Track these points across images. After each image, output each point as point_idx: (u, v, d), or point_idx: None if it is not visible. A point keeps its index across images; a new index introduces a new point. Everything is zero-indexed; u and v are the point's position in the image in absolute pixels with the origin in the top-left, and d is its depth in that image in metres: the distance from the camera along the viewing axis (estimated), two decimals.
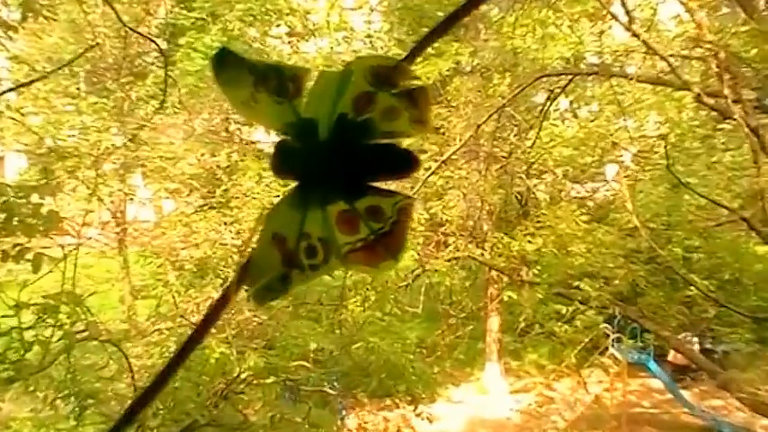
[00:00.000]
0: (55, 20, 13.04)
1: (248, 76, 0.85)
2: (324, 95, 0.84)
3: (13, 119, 13.71)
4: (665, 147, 12.87)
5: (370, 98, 0.85)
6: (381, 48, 16.89)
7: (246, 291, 0.86)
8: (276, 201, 0.88)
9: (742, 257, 15.00)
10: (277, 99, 0.84)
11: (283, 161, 0.87)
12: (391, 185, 0.89)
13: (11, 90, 13.31)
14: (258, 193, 15.49)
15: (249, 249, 0.87)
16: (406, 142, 0.90)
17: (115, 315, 15.80)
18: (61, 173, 14.13)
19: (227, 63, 0.85)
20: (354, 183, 0.86)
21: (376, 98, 0.85)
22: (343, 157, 0.86)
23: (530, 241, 15.21)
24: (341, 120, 0.85)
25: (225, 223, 15.33)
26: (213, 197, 15.83)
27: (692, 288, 13.90)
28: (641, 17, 13.12)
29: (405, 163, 0.89)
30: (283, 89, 0.84)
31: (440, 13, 16.73)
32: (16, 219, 11.40)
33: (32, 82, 13.73)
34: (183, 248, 15.28)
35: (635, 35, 12.41)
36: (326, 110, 0.84)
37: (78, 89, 15.33)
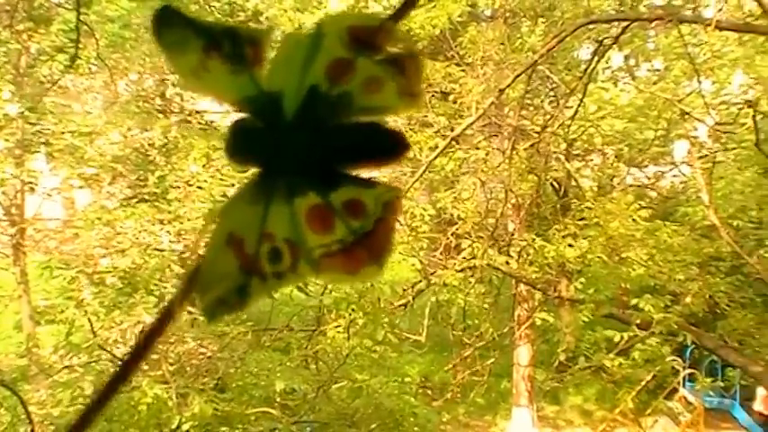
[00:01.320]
0: None
1: (197, 40, 0.90)
2: (291, 63, 0.90)
3: None
4: (754, 117, 12.91)
5: (347, 66, 0.91)
6: None
7: (191, 310, 0.92)
8: (231, 193, 0.94)
9: None
10: (233, 67, 0.89)
11: (241, 144, 0.93)
12: (377, 174, 0.95)
13: None
14: (206, 182, 15.55)
15: (197, 254, 0.92)
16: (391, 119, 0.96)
17: (9, 347, 15.87)
18: None
19: (171, 23, 0.91)
20: (329, 170, 0.92)
21: (355, 66, 0.91)
22: (315, 138, 0.92)
23: (570, 245, 15.20)
24: (312, 93, 0.90)
25: (161, 221, 15.41)
26: (145, 186, 15.90)
27: None
28: None
29: (390, 145, 0.94)
30: (240, 55, 0.90)
31: None
32: None
33: None
34: (103, 256, 15.36)
35: None
36: (294, 81, 0.90)
37: None
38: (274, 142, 0.91)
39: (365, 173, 0.93)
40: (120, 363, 0.95)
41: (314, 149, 0.91)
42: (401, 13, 0.97)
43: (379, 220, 0.92)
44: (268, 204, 0.91)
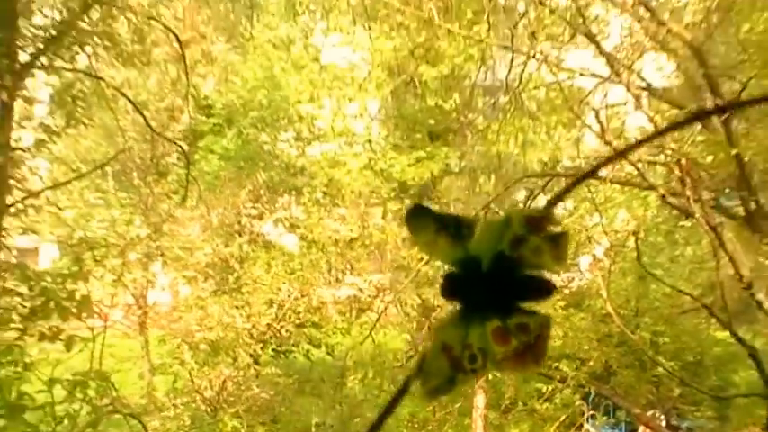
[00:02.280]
0: (91, 126, 13.26)
1: (432, 224, 0.98)
2: (489, 238, 0.97)
3: (49, 212, 13.84)
4: (636, 241, 13.07)
5: (523, 240, 0.98)
6: (379, 151, 17.06)
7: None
8: (442, 316, 1.00)
9: (703, 341, 15.11)
10: (454, 241, 0.97)
11: (451, 288, 1.00)
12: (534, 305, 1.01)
13: (51, 188, 13.45)
14: (266, 281, 15.61)
15: (420, 355, 0.99)
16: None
17: (135, 390, 15.77)
18: (90, 262, 14.23)
19: (418, 214, 0.98)
20: (507, 304, 0.99)
21: (527, 240, 0.98)
22: (500, 284, 0.99)
23: None
24: (499, 256, 0.97)
25: (236, 307, 15.40)
26: (226, 284, 15.90)
27: (658, 369, 14.05)
28: (611, 127, 13.39)
29: (546, 289, 1.02)
30: (459, 234, 0.97)
31: (431, 121, 17.03)
32: (53, 303, 11.52)
33: (70, 181, 13.91)
34: (198, 331, 15.32)
35: (607, 143, 12.68)
36: (489, 248, 0.97)
37: (108, 186, 15.43)
38: (473, 287, 0.97)
39: (530, 305, 0.99)
40: (379, 413, 1.09)
41: (499, 292, 0.97)
42: (552, 205, 1.04)
43: (538, 336, 0.99)
44: (468, 326, 0.97)
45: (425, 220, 0.97)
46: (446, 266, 1.01)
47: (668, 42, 12.60)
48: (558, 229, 0.98)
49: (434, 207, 1.00)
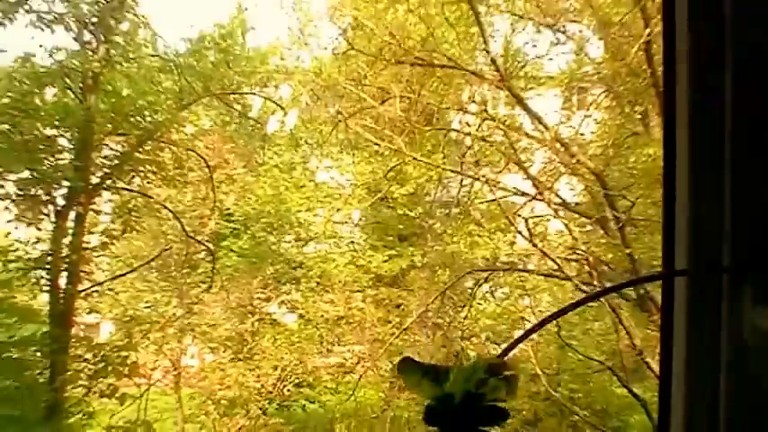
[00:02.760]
0: (142, 231, 13.31)
1: (417, 371, 1.05)
2: (460, 380, 1.04)
3: (109, 296, 13.82)
4: (557, 321, 13.08)
5: (485, 381, 1.05)
6: (360, 248, 17.09)
7: None
8: None
9: (608, 395, 14.98)
10: (433, 383, 1.04)
11: (431, 417, 1.06)
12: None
13: (111, 279, 13.46)
14: (273, 351, 15.51)
15: None
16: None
17: None
18: (138, 334, 14.14)
19: (406, 365, 1.05)
20: (473, 429, 1.05)
21: (489, 381, 1.05)
22: (468, 414, 1.05)
23: None
24: (468, 393, 1.04)
25: (249, 370, 15.27)
26: (241, 353, 15.76)
27: (575, 416, 14.00)
28: (536, 231, 13.47)
29: (502, 416, 1.08)
30: (437, 378, 1.04)
31: (400, 227, 17.09)
32: (110, 367, 11.46)
33: (125, 274, 13.89)
34: (219, 389, 15.16)
35: (533, 244, 12.80)
36: (460, 388, 1.04)
37: (153, 276, 15.38)
38: (447, 417, 1.03)
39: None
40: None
41: (467, 419, 1.03)
42: (504, 355, 1.12)
43: None
44: None
45: (412, 369, 1.04)
46: (427, 401, 1.08)
47: (578, 169, 12.75)
48: (510, 372, 1.05)
49: (418, 360, 1.06)
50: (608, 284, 12.66)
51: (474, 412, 1.04)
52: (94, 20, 11.63)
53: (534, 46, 13.96)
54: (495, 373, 1.04)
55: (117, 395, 11.36)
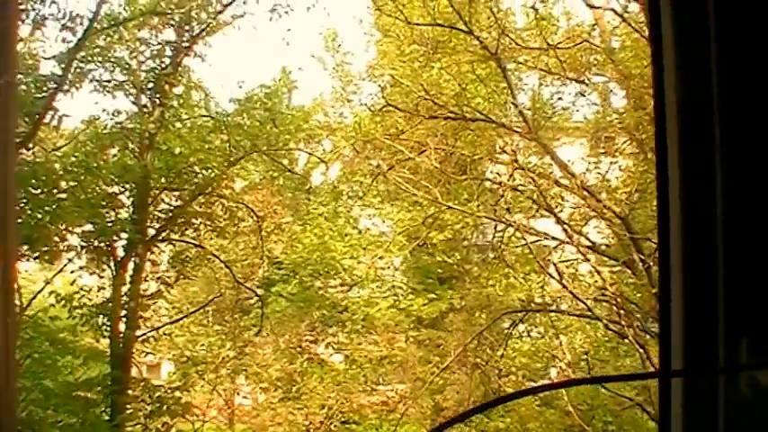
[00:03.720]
0: (195, 278, 13.86)
1: None
2: None
3: (167, 339, 14.33)
4: (587, 359, 13.31)
5: None
6: (401, 292, 17.43)
7: None
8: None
9: (639, 428, 14.99)
10: None
11: None
12: None
13: (169, 324, 13.99)
14: (320, 392, 15.86)
15: None
16: None
17: None
18: (195, 374, 14.64)
19: None
20: None
21: None
22: None
23: (501, 420, 15.36)
24: None
25: (298, 409, 15.65)
26: (290, 392, 16.13)
27: None
28: (567, 273, 13.70)
29: None
30: None
31: (439, 271, 17.42)
32: (165, 407, 11.95)
33: (181, 319, 14.43)
34: (270, 426, 15.54)
35: (563, 286, 13.07)
36: None
37: (207, 320, 15.88)
38: None
39: None
40: None
41: None
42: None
43: None
44: None
45: None
46: None
47: (605, 213, 13.03)
48: None
49: None
50: (636, 324, 12.82)
51: None
52: (150, 85, 12.32)
53: (560, 98, 14.41)
54: None
55: None
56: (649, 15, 1.78)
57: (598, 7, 12.67)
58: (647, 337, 12.68)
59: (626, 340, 13.27)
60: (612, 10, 12.52)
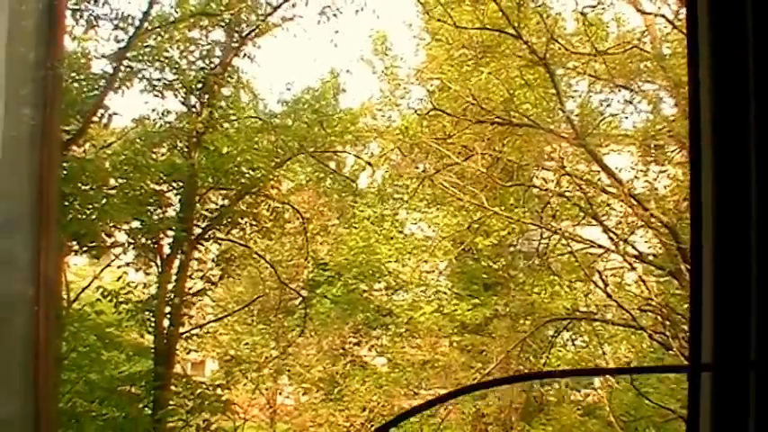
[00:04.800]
0: (240, 277, 13.90)
1: None
2: None
3: (211, 337, 14.40)
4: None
5: None
6: (446, 297, 17.31)
7: None
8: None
9: None
10: None
11: None
12: None
13: (212, 321, 14.10)
14: (362, 394, 15.80)
15: None
16: None
17: None
18: (238, 373, 14.71)
19: None
20: None
21: None
22: None
23: (543, 428, 15.21)
24: None
25: (339, 410, 15.63)
26: (332, 393, 16.13)
27: None
28: (613, 282, 13.51)
29: None
30: None
31: (484, 276, 17.27)
32: (206, 403, 11.99)
33: (225, 317, 14.51)
34: (311, 426, 15.55)
35: (608, 295, 12.87)
36: None
37: (252, 319, 15.91)
38: None
39: None
40: None
41: None
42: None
43: None
44: None
45: None
46: None
47: (652, 222, 12.80)
48: None
49: None
50: (681, 335, 12.55)
51: None
52: (199, 85, 12.40)
53: (609, 105, 14.19)
54: None
55: (212, 429, 11.86)
56: (687, 20, 1.75)
57: (649, 13, 12.42)
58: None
59: (671, 351, 13.01)
60: (663, 16, 12.26)
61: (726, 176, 1.60)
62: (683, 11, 12.34)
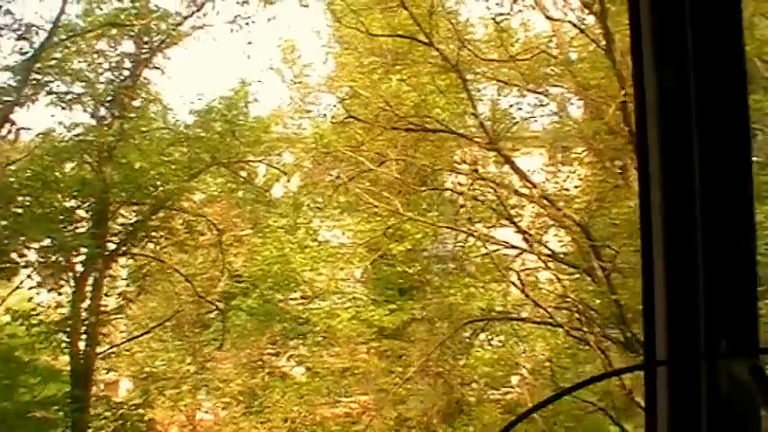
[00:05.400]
0: (155, 293, 13.59)
1: None
2: None
3: (126, 356, 14.04)
4: (551, 363, 13.35)
5: None
6: (362, 303, 17.28)
7: None
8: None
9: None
10: None
11: None
12: None
13: (129, 340, 13.71)
14: (282, 405, 15.66)
15: None
16: None
17: None
18: (155, 391, 14.36)
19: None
20: None
21: None
22: None
23: (464, 428, 15.35)
24: None
25: (261, 423, 15.45)
26: (253, 406, 15.91)
27: None
28: (528, 281, 13.77)
29: None
30: None
31: (400, 281, 17.31)
32: (129, 423, 11.69)
33: (141, 335, 14.15)
34: None
35: (525, 294, 13.13)
36: None
37: (167, 335, 15.55)
38: None
39: None
40: None
41: None
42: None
43: None
44: None
45: None
46: None
47: (564, 222, 13.11)
48: None
49: None
50: (597, 331, 12.90)
51: None
52: (109, 98, 12.10)
53: (520, 108, 14.49)
54: None
55: None
56: (629, 16, 1.76)
57: (557, 19, 12.74)
58: (608, 343, 12.78)
59: (587, 347, 13.37)
60: (570, 22, 12.60)
61: (672, 179, 1.63)
62: (589, 17, 12.74)
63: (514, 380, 16.72)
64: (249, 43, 12.42)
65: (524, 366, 15.71)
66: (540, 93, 13.95)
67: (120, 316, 12.92)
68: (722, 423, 1.49)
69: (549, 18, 12.91)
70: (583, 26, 12.64)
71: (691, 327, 1.54)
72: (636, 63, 1.72)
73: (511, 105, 14.32)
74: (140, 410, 12.12)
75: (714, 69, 1.61)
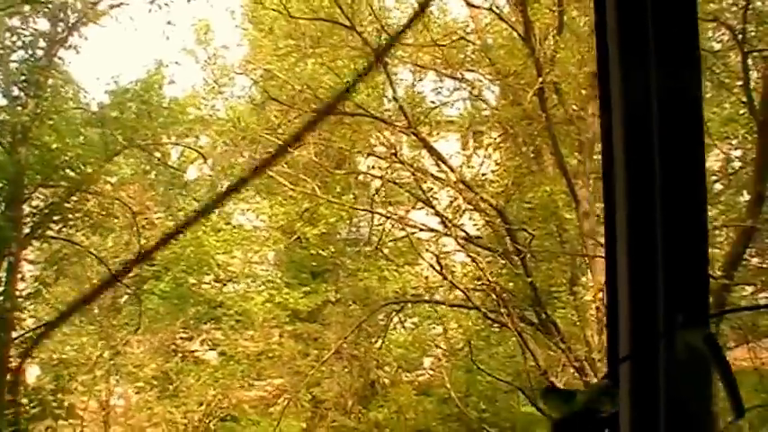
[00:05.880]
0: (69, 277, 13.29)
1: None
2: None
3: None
4: (470, 345, 13.70)
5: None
6: (276, 286, 17.32)
7: None
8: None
9: (516, 414, 15.41)
10: (564, 404, 1.43)
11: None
12: None
13: (42, 326, 13.41)
14: (197, 388, 15.58)
15: None
16: None
17: None
18: (66, 377, 14.10)
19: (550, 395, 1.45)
20: None
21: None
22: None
23: (379, 410, 15.66)
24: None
25: (175, 407, 15.34)
26: (167, 391, 15.79)
27: None
28: (444, 264, 14.02)
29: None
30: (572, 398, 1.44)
31: (314, 264, 17.43)
32: (47, 410, 11.49)
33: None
34: (147, 426, 15.21)
35: (444, 277, 13.42)
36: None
37: (79, 320, 15.21)
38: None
39: None
40: None
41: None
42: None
43: None
44: None
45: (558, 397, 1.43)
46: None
47: (480, 205, 13.45)
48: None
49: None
50: (512, 311, 13.25)
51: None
52: (23, 77, 11.78)
53: (438, 92, 14.74)
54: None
55: None
56: (595, 15, 1.85)
57: (477, 7, 13.04)
58: (524, 324, 13.21)
59: (500, 328, 13.80)
60: (490, 9, 12.91)
61: (635, 176, 1.67)
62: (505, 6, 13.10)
63: (426, 362, 17.07)
64: (168, 23, 12.13)
65: (439, 347, 16.04)
66: (456, 78, 14.23)
67: (37, 300, 12.62)
68: (679, 389, 1.56)
69: (469, 4, 13.17)
70: (501, 12, 12.95)
71: (650, 325, 1.59)
72: (601, 62, 1.75)
73: (429, 90, 14.55)
74: (60, 395, 11.89)
75: (674, 69, 1.65)
